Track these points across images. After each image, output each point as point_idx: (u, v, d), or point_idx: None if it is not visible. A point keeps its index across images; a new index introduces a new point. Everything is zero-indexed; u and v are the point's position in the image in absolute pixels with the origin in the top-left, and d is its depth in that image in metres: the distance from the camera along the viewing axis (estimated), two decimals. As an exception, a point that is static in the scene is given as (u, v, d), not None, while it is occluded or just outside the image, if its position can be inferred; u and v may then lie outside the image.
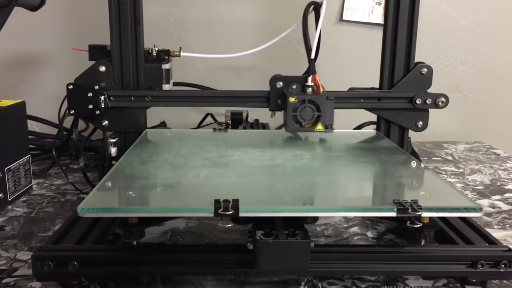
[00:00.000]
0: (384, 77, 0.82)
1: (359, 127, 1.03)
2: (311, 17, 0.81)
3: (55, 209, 0.80)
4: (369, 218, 0.76)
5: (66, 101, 0.78)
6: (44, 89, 1.20)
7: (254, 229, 0.55)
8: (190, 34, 1.22)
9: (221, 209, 0.51)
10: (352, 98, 0.81)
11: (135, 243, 0.58)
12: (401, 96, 0.81)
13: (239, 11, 1.21)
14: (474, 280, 0.58)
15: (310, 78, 0.79)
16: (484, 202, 0.85)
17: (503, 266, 0.56)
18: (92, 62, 0.79)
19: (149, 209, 0.55)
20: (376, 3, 1.20)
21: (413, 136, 0.84)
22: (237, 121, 1.01)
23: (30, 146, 0.92)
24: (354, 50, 1.24)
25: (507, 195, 0.89)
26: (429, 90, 0.81)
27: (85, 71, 0.79)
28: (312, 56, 0.78)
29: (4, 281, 0.58)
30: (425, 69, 0.80)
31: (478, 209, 0.53)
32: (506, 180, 0.97)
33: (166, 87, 0.82)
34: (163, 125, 1.13)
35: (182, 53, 0.84)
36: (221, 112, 1.10)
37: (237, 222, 0.58)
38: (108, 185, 0.60)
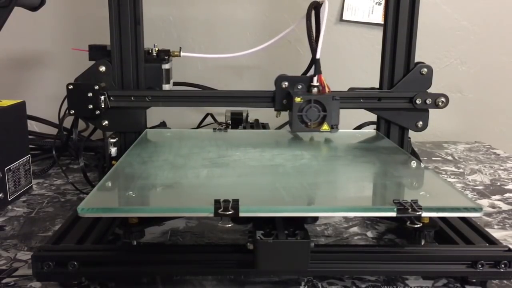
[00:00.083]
0: (384, 77, 0.82)
1: (359, 127, 1.03)
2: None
3: (55, 209, 0.80)
4: (369, 218, 0.76)
5: (66, 101, 0.78)
6: (44, 89, 1.20)
7: (254, 229, 0.55)
8: (190, 34, 1.22)
9: (221, 209, 0.51)
10: (352, 98, 0.81)
11: (135, 243, 0.58)
12: (401, 96, 0.81)
13: (239, 11, 1.21)
14: (474, 280, 0.58)
15: (315, 78, 0.79)
16: (484, 202, 0.85)
17: (503, 266, 0.56)
18: (92, 62, 0.79)
19: (149, 209, 0.55)
20: (376, 3, 1.20)
21: (413, 136, 0.84)
22: (237, 121, 1.01)
23: (30, 146, 0.92)
24: (354, 50, 1.24)
25: (507, 195, 0.89)
26: (429, 90, 0.81)
27: (85, 71, 0.79)
28: (318, 56, 0.78)
29: (4, 281, 0.58)
30: (425, 69, 0.80)
31: (478, 209, 0.53)
32: (506, 180, 0.97)
33: (166, 87, 0.82)
34: (163, 125, 1.13)
35: (182, 53, 0.84)
36: (221, 112, 1.10)
37: (237, 222, 0.58)
38: (108, 185, 0.60)
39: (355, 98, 0.81)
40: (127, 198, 0.56)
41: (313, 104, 0.77)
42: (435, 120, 0.89)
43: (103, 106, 0.77)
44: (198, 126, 1.18)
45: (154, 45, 0.83)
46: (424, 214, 0.53)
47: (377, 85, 0.84)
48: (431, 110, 0.81)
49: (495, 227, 0.75)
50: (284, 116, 0.84)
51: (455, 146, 1.23)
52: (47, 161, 1.01)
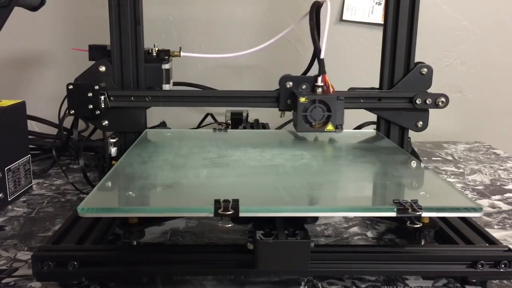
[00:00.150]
0: (384, 77, 0.82)
1: (359, 127, 1.03)
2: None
3: (55, 209, 0.80)
4: (369, 218, 0.76)
5: (66, 101, 0.78)
6: (44, 89, 1.20)
7: (254, 229, 0.55)
8: (190, 34, 1.22)
9: (221, 209, 0.51)
10: (352, 98, 0.81)
11: (135, 243, 0.58)
12: (401, 96, 0.81)
13: (239, 11, 1.21)
14: (474, 280, 0.58)
15: (320, 78, 0.79)
16: (484, 202, 0.85)
17: (503, 266, 0.56)
18: (92, 62, 0.79)
19: (149, 209, 0.55)
20: (376, 3, 1.20)
21: (413, 136, 0.84)
22: (237, 121, 1.01)
23: (30, 146, 0.92)
24: (354, 50, 1.24)
25: (507, 195, 0.89)
26: (429, 90, 0.81)
27: (85, 71, 0.79)
28: (322, 56, 0.78)
29: (4, 281, 0.58)
30: (425, 69, 0.80)
31: (478, 209, 0.53)
32: (506, 180, 0.97)
33: (166, 87, 0.82)
34: (163, 125, 1.13)
35: (182, 53, 0.84)
36: (221, 112, 1.10)
37: (237, 222, 0.58)
38: (108, 185, 0.60)
39: (355, 98, 0.81)
40: (127, 198, 0.56)
41: (317, 104, 0.77)
42: (435, 120, 0.89)
43: (103, 106, 0.77)
44: (198, 126, 1.18)
45: (154, 45, 0.83)
46: (424, 214, 0.53)
47: (377, 85, 0.84)
48: (431, 110, 0.81)
49: (495, 227, 0.75)
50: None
51: (455, 146, 1.23)
52: (47, 161, 1.01)
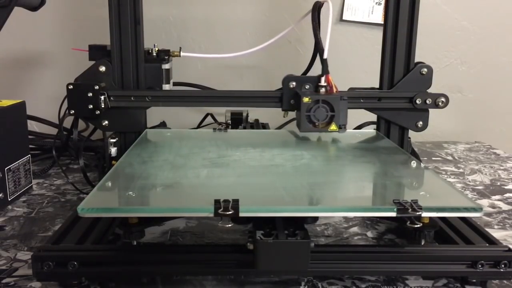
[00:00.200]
0: (384, 77, 0.82)
1: (359, 127, 1.03)
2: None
3: (55, 209, 0.80)
4: (369, 218, 0.76)
5: (66, 101, 0.78)
6: (44, 89, 1.20)
7: (254, 229, 0.55)
8: (190, 34, 1.22)
9: (221, 209, 0.51)
10: (352, 98, 0.81)
11: (135, 243, 0.58)
12: (401, 96, 0.81)
13: (239, 11, 1.21)
14: (474, 280, 0.58)
15: (323, 78, 0.79)
16: (484, 202, 0.85)
17: (503, 266, 0.56)
18: (92, 62, 0.79)
19: (149, 209, 0.55)
20: (376, 3, 1.20)
21: (413, 136, 0.84)
22: (237, 121, 1.01)
23: (30, 146, 0.92)
24: (354, 50, 1.24)
25: (507, 195, 0.89)
26: (429, 90, 0.81)
27: (85, 71, 0.79)
28: (325, 56, 0.78)
29: (4, 281, 0.58)
30: (425, 69, 0.80)
31: (478, 209, 0.53)
32: (506, 180, 0.97)
33: (166, 87, 0.82)
34: (163, 125, 1.13)
35: (182, 53, 0.84)
36: (221, 112, 1.10)
37: (237, 222, 0.58)
38: (108, 185, 0.60)
39: (355, 98, 0.81)
40: (127, 198, 0.56)
41: (321, 104, 0.77)
42: (435, 120, 0.89)
43: (103, 106, 0.77)
44: (198, 126, 1.18)
45: (154, 45, 0.83)
46: (424, 214, 0.53)
47: (377, 85, 0.84)
48: (431, 110, 0.81)
49: (495, 227, 0.75)
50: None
51: (455, 146, 1.23)
52: (47, 161, 1.01)
